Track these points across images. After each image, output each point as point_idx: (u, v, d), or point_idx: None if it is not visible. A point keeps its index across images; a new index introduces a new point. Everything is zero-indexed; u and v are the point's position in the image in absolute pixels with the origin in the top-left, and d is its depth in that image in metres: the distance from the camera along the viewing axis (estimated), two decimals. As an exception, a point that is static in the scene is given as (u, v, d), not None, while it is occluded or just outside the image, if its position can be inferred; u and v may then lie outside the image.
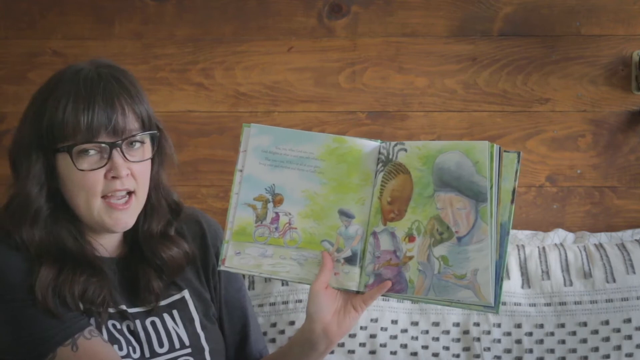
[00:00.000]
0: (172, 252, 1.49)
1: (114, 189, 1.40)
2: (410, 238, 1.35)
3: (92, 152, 1.38)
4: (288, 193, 1.40)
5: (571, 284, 1.90)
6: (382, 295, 1.37)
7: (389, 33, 2.09)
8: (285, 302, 1.91)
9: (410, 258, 1.35)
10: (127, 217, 1.43)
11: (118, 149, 1.39)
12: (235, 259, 1.41)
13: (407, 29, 2.09)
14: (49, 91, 1.41)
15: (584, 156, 2.09)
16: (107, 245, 1.48)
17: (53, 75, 1.45)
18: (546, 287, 1.90)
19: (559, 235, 2.03)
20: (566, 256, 1.93)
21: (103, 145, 1.38)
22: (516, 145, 2.08)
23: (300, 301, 1.90)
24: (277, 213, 1.41)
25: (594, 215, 2.10)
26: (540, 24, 2.07)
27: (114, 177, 1.40)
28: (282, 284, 1.91)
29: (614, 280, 1.89)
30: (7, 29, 2.13)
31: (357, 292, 1.39)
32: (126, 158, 1.40)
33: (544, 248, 1.96)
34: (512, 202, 1.31)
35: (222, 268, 1.42)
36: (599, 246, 1.96)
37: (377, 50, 2.10)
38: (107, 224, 1.42)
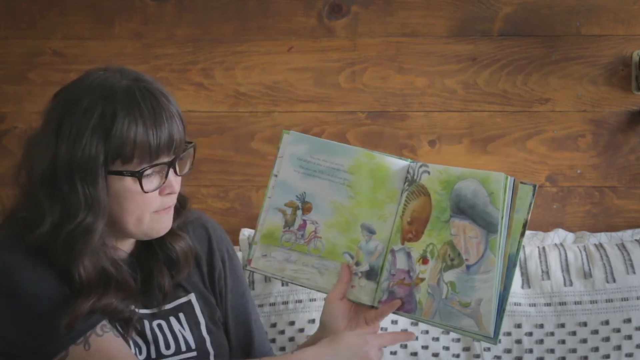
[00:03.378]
0: (181, 244, 1.50)
1: (169, 205, 1.41)
2: (424, 260, 1.37)
3: (152, 172, 1.37)
4: (317, 202, 1.43)
5: (571, 284, 1.90)
6: (393, 313, 1.40)
7: (389, 33, 2.10)
8: (285, 303, 1.91)
9: (422, 280, 1.37)
10: (170, 220, 1.43)
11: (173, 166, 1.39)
12: (261, 260, 1.45)
13: (407, 29, 2.09)
14: (105, 110, 1.33)
15: (584, 156, 2.09)
16: (126, 246, 1.47)
17: (91, 88, 1.36)
18: (546, 287, 1.90)
19: (559, 235, 2.03)
20: (566, 256, 1.93)
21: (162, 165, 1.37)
22: (516, 145, 2.09)
23: (300, 301, 1.91)
24: (304, 220, 1.44)
25: (594, 215, 2.10)
26: (540, 24, 2.07)
27: (168, 193, 1.40)
28: (282, 284, 1.92)
29: (614, 280, 1.89)
30: (7, 29, 2.13)
31: (371, 307, 1.41)
32: (177, 173, 1.40)
33: (544, 248, 1.96)
34: (522, 234, 1.33)
35: (248, 268, 1.46)
36: (599, 246, 1.96)
37: (377, 50, 2.10)
38: (154, 233, 1.42)
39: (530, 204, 1.32)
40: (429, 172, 1.38)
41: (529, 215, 1.32)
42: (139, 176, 1.35)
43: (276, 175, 1.44)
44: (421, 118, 2.10)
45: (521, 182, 1.33)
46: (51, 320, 1.35)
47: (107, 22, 2.12)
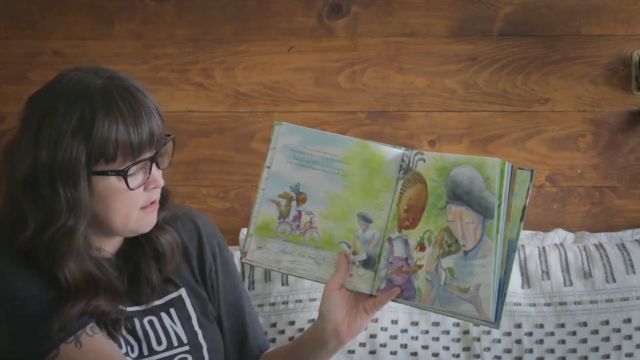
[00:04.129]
0: (166, 237, 1.50)
1: (155, 199, 1.41)
2: (421, 247, 1.37)
3: (136, 168, 1.37)
4: (311, 193, 1.43)
5: (571, 284, 1.90)
6: (392, 301, 1.40)
7: (389, 33, 2.10)
8: (285, 302, 1.91)
9: (420, 267, 1.37)
10: (155, 216, 1.44)
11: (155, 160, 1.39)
12: (256, 252, 1.44)
13: (407, 29, 2.09)
14: (83, 112, 1.33)
15: (584, 156, 2.09)
16: (111, 246, 1.48)
17: (66, 89, 1.36)
18: (546, 287, 1.90)
19: (559, 235, 2.03)
20: (566, 256, 1.93)
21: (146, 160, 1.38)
22: (516, 145, 2.09)
23: (300, 301, 1.91)
24: (299, 211, 1.43)
25: (594, 215, 2.10)
26: (540, 24, 2.07)
27: (153, 188, 1.40)
28: (282, 284, 1.92)
29: (614, 280, 1.89)
30: (7, 29, 2.13)
31: (370, 295, 1.41)
32: (159, 167, 1.41)
33: (544, 248, 1.96)
34: (521, 219, 1.33)
35: (244, 261, 1.45)
36: (599, 246, 1.96)
37: (377, 50, 2.10)
38: (141, 229, 1.42)
39: (529, 189, 1.33)
40: (424, 160, 1.38)
41: (527, 201, 1.33)
42: (124, 175, 1.35)
43: (269, 167, 1.44)
44: (421, 118, 2.10)
45: (519, 168, 1.33)
46: (42, 322, 1.35)
47: (107, 22, 2.12)
